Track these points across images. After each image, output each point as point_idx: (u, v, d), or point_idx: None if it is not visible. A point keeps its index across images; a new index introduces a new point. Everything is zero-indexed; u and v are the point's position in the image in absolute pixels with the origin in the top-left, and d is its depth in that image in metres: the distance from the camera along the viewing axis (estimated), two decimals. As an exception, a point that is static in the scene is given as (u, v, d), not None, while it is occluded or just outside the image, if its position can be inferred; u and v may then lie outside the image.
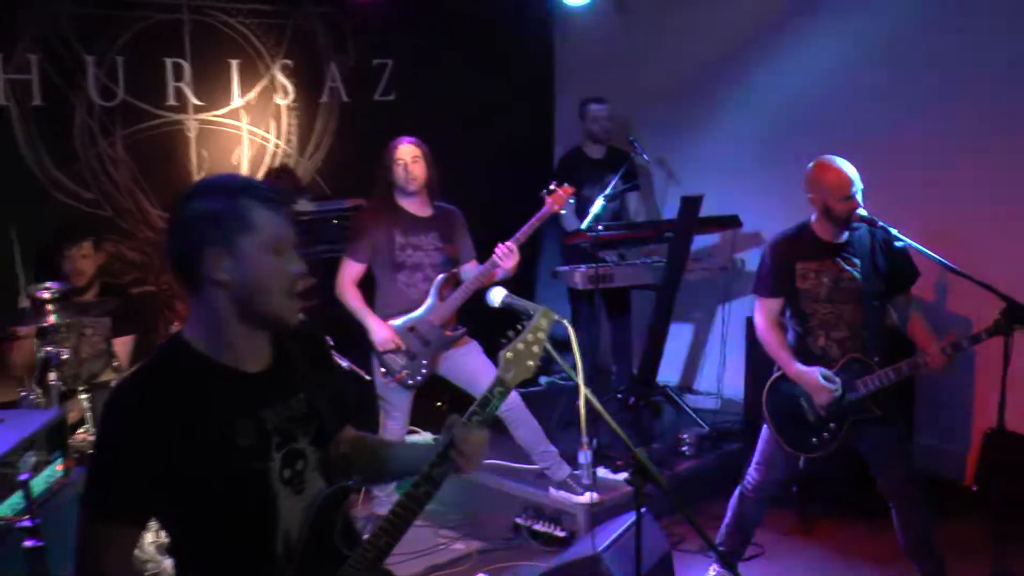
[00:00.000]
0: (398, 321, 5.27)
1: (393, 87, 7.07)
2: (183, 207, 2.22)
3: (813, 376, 4.39)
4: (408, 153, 5.25)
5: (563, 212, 5.44)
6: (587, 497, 5.32)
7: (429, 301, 5.28)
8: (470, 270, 5.39)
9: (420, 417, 5.78)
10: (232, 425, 2.19)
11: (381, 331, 5.24)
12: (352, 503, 5.45)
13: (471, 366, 5.34)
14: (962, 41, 5.87)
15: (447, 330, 5.31)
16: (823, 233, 4.45)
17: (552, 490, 5.47)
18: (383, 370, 5.30)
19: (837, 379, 4.37)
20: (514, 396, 5.26)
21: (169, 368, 2.22)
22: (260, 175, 6.46)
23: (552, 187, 5.33)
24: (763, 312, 4.59)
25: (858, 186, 4.33)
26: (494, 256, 5.18)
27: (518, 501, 5.57)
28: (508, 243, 5.18)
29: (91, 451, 2.69)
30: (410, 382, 5.30)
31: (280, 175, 6.54)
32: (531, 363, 2.53)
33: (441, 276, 5.30)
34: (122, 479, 2.14)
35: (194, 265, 2.20)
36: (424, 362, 5.30)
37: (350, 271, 5.30)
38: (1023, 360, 4.23)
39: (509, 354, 2.52)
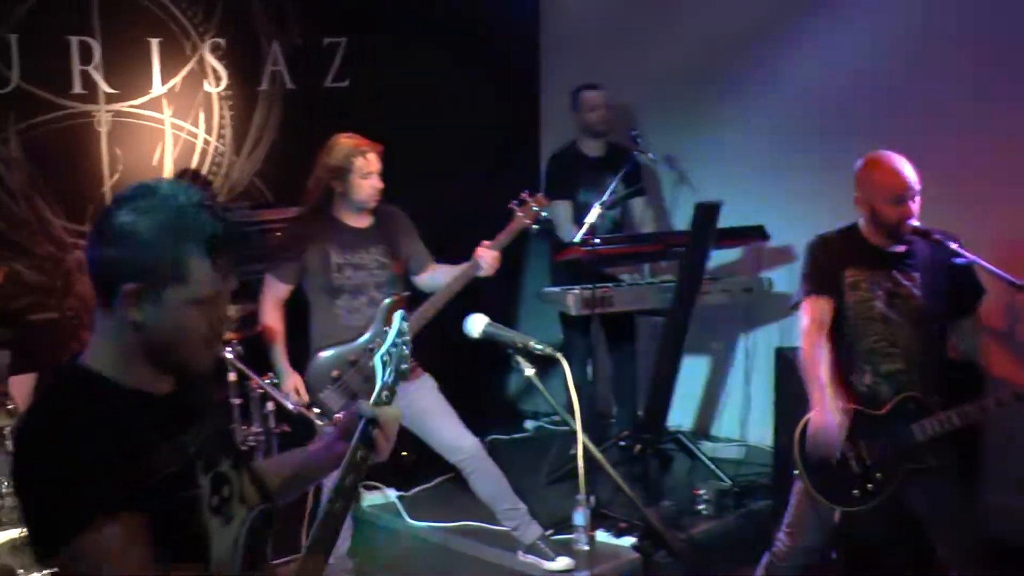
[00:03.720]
0: (330, 352, 5.27)
1: (347, 71, 7.02)
2: (114, 222, 2.25)
3: (832, 421, 4.33)
4: (376, 164, 5.25)
5: (547, 218, 5.45)
6: (560, 563, 5.34)
7: (373, 329, 5.25)
8: (430, 278, 5.42)
9: (380, 470, 5.71)
10: (154, 452, 2.23)
11: (287, 380, 5.30)
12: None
13: (421, 405, 5.32)
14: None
15: None
16: (874, 238, 4.43)
17: (520, 554, 5.49)
18: (318, 411, 5.26)
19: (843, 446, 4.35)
20: (472, 443, 5.34)
21: (77, 399, 2.25)
22: (185, 179, 6.40)
23: (523, 197, 5.36)
24: (810, 312, 4.49)
25: (913, 190, 4.29)
26: (478, 259, 5.21)
27: (501, 572, 5.54)
28: (493, 252, 5.23)
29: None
30: None
31: (202, 188, 6.47)
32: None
33: (388, 300, 5.28)
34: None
35: (108, 294, 2.25)
36: None
37: (273, 291, 5.36)
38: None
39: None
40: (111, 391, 2.26)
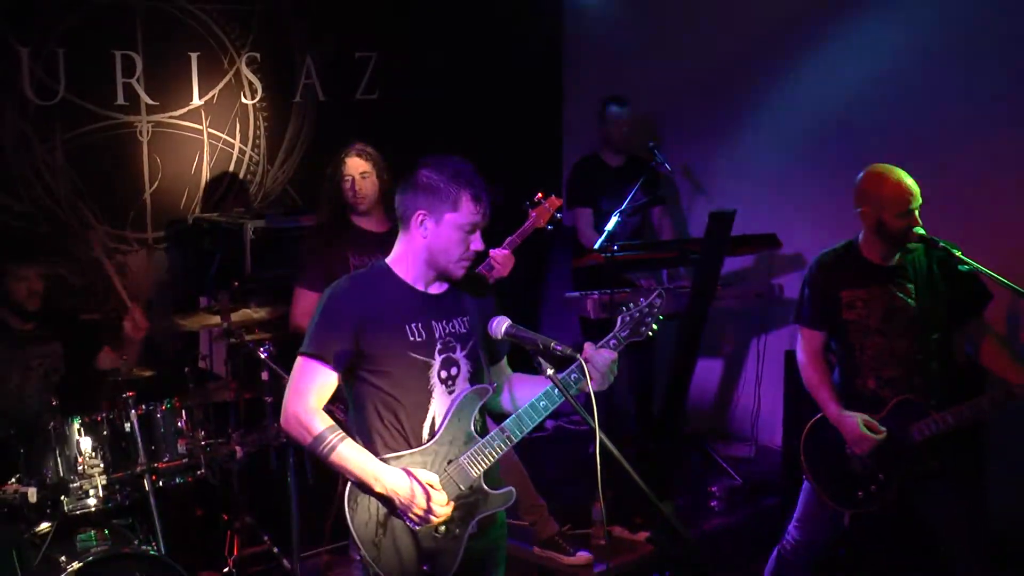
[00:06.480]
0: None
1: (377, 84, 7.09)
2: (417, 171, 3.42)
3: (852, 422, 4.39)
4: (356, 168, 5.21)
5: (560, 218, 5.46)
6: (579, 558, 5.35)
7: None
8: None
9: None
10: (409, 323, 3.42)
11: None
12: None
13: None
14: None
15: None
16: (872, 254, 4.46)
17: (537, 549, 5.48)
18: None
19: (883, 428, 4.37)
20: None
21: (373, 278, 3.51)
22: (221, 187, 6.51)
23: (537, 198, 5.35)
24: (805, 344, 4.60)
25: (918, 201, 4.32)
26: (491, 261, 5.17)
27: (518, 566, 5.48)
28: (503, 251, 5.22)
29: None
30: None
31: (237, 196, 6.56)
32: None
33: None
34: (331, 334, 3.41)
35: (408, 216, 3.42)
36: None
37: (304, 302, 5.16)
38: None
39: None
40: (396, 281, 3.46)
